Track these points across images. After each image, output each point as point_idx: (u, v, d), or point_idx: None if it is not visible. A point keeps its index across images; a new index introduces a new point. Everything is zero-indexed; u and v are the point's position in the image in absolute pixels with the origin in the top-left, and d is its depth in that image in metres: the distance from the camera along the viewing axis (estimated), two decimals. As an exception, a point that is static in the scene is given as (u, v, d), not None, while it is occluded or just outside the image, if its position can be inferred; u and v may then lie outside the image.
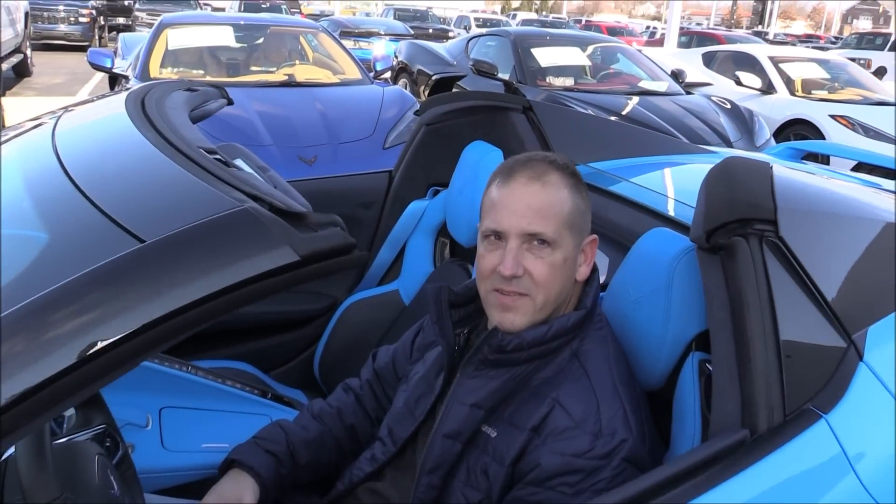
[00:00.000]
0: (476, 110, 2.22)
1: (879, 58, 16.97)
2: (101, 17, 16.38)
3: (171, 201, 0.86)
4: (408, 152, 2.36)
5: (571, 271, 1.25)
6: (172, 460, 1.54)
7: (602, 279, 1.69)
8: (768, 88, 8.54)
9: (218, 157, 1.02)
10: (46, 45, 14.27)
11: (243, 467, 1.34)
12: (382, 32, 13.12)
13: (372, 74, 6.31)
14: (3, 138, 1.30)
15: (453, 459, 1.22)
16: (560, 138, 2.14)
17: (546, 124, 2.15)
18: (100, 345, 0.68)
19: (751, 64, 8.98)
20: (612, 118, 5.95)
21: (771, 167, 1.28)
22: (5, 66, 9.21)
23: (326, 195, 2.44)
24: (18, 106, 8.24)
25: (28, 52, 11.11)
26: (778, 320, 1.08)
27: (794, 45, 25.23)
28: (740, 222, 1.13)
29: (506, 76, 7.22)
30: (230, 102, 1.94)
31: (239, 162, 1.08)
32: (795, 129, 7.88)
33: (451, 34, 17.30)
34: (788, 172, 1.41)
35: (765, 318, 1.07)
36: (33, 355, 0.67)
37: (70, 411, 1.31)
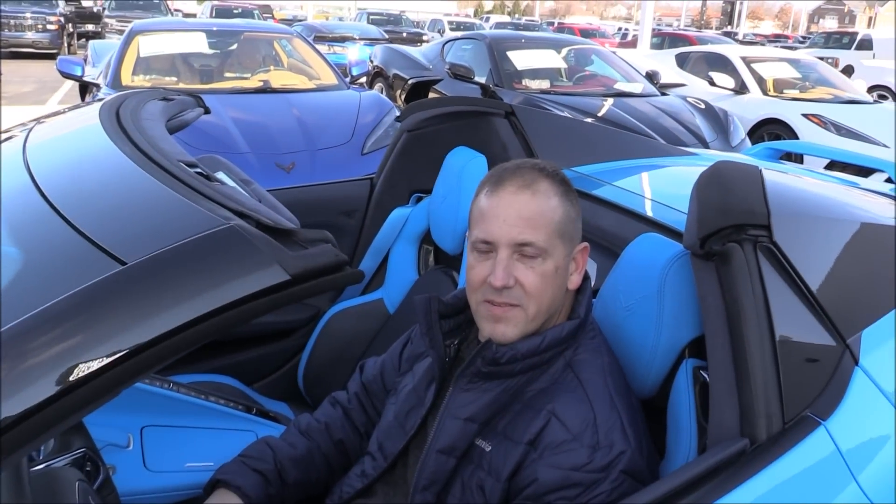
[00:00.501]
0: (458, 116, 2.19)
1: (846, 56, 17.23)
2: (70, 25, 16.16)
3: (152, 220, 0.82)
4: (389, 159, 2.33)
5: (563, 280, 1.22)
6: (156, 481, 1.49)
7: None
8: (741, 88, 8.61)
9: (199, 170, 0.99)
10: (14, 54, 14.04)
11: (230, 487, 1.30)
12: (357, 37, 13.07)
13: (348, 79, 6.26)
14: None
15: (447, 475, 1.19)
16: (543, 143, 2.12)
17: (529, 129, 2.13)
18: (81, 374, 0.65)
19: (723, 64, 9.06)
20: (589, 120, 5.96)
21: (761, 171, 1.26)
22: (-28, 75, 9.04)
23: (307, 204, 2.40)
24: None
25: (-5, 60, 10.93)
26: (774, 327, 1.07)
27: (763, 45, 25.55)
28: (734, 228, 1.12)
29: (482, 79, 7.21)
30: (207, 111, 1.90)
31: (221, 175, 1.04)
32: (769, 129, 7.96)
33: (425, 38, 17.29)
34: (777, 176, 1.40)
35: (761, 324, 1.06)
36: (11, 387, 0.63)
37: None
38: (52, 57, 6.64)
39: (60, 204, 0.85)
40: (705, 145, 6.14)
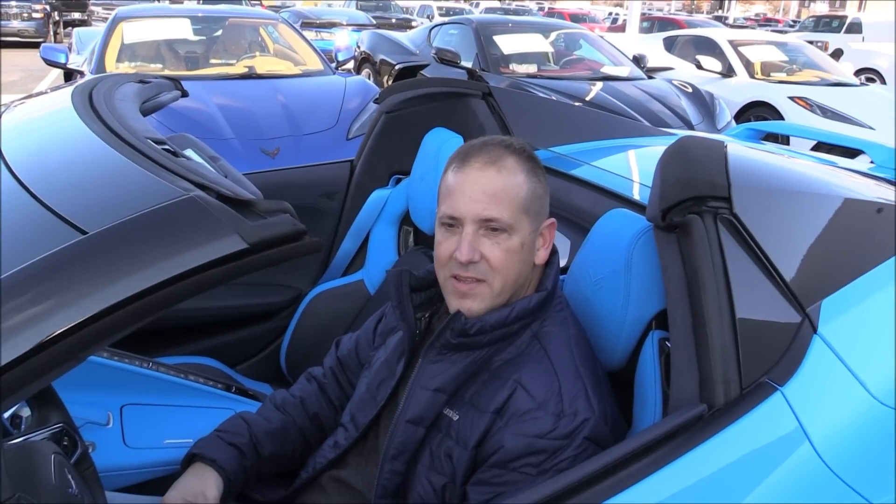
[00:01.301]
0: (436, 97, 2.21)
1: (836, 40, 17.25)
2: (56, 13, 16.03)
3: (115, 192, 0.83)
4: (368, 141, 2.34)
5: (529, 255, 1.25)
6: (135, 457, 1.51)
7: (564, 262, 1.70)
8: (728, 72, 8.64)
9: (166, 147, 1.00)
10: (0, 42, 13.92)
11: (206, 461, 1.33)
12: (345, 23, 13.01)
13: (334, 65, 6.25)
14: None
15: (416, 444, 1.22)
16: (520, 123, 2.14)
17: (506, 110, 2.15)
18: (43, 339, 0.67)
19: (711, 48, 9.07)
20: (577, 104, 5.97)
21: (725, 146, 1.29)
22: (-44, 64, 8.97)
23: (288, 186, 2.41)
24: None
25: (-20, 49, 10.85)
26: (734, 296, 1.09)
27: (753, 28, 25.56)
28: (695, 200, 1.14)
29: (469, 64, 7.20)
30: (185, 94, 1.90)
31: (189, 152, 1.06)
32: (756, 112, 7.99)
33: (414, 24, 17.21)
34: (744, 151, 1.42)
35: (720, 294, 1.08)
36: None
37: (26, 412, 1.28)
38: (37, 46, 6.61)
39: (27, 178, 0.87)
40: (691, 128, 6.16)
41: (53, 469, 1.06)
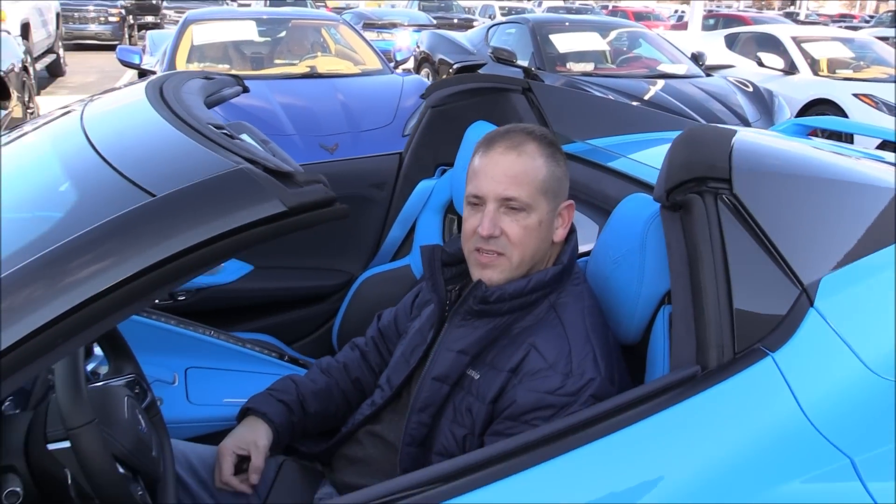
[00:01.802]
0: (478, 92, 2.34)
1: (913, 36, 16.64)
2: (131, 17, 16.71)
3: (179, 165, 1.00)
4: (415, 134, 2.49)
5: (547, 233, 1.37)
6: (196, 412, 1.69)
7: (592, 246, 1.81)
8: (791, 69, 8.49)
9: (224, 131, 1.16)
10: (78, 45, 14.62)
11: (258, 414, 1.48)
12: (406, 23, 13.24)
13: (392, 64, 6.44)
14: (41, 121, 1.46)
15: (441, 400, 1.35)
16: (558, 117, 2.25)
17: (544, 104, 2.26)
18: (121, 279, 0.83)
19: (773, 45, 8.93)
20: (634, 103, 6.01)
21: (734, 133, 1.38)
22: (39, 66, 9.50)
23: (341, 176, 2.57)
24: (53, 105, 8.50)
25: (60, 52, 11.43)
26: (730, 269, 1.19)
27: (826, 25, 24.77)
28: (696, 181, 1.24)
29: (525, 63, 7.30)
30: (246, 90, 2.07)
31: (243, 136, 1.21)
32: (818, 110, 7.83)
33: (475, 23, 17.35)
34: (757, 139, 1.51)
35: (717, 267, 1.18)
36: (68, 281, 0.82)
37: (104, 369, 1.47)
38: (113, 48, 7.01)
39: (107, 153, 1.04)
40: (747, 125, 6.13)
41: (126, 409, 1.23)
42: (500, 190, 1.32)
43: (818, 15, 35.68)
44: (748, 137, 1.40)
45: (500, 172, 1.33)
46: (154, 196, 0.90)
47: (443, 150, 2.42)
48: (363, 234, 2.54)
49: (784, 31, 9.28)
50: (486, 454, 1.03)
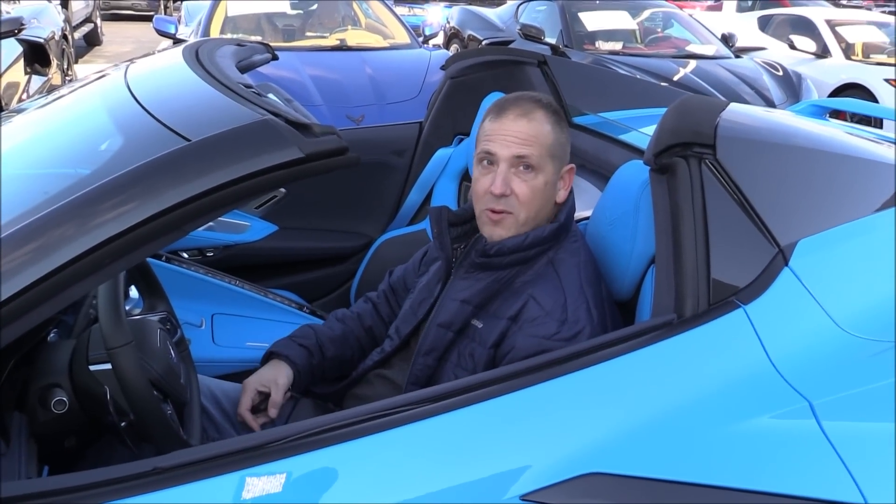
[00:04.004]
0: (495, 64, 2.44)
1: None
2: (167, -13, 16.90)
3: (211, 115, 1.13)
4: (435, 103, 2.60)
5: (552, 194, 1.48)
6: (221, 353, 1.84)
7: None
8: (823, 52, 8.42)
9: (253, 90, 1.29)
10: (115, 16, 14.86)
11: (280, 357, 1.62)
12: (437, -1, 13.25)
13: (421, 39, 6.52)
14: (78, 84, 1.60)
15: (446, 345, 1.48)
16: (571, 90, 2.35)
17: (559, 77, 2.36)
18: (161, 209, 0.97)
19: (807, 27, 8.83)
20: (663, 84, 6.03)
21: (726, 104, 1.47)
22: (77, 34, 9.73)
23: (363, 143, 2.69)
24: (90, 73, 8.71)
25: (98, 21, 11.67)
26: (709, 228, 1.29)
27: (869, 9, 24.15)
28: (682, 146, 1.34)
29: (553, 40, 7.33)
30: (275, 57, 2.19)
31: (270, 95, 1.34)
32: (849, 94, 7.76)
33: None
34: (748, 110, 1.59)
35: (697, 224, 1.28)
36: (121, 202, 0.96)
37: (137, 310, 1.61)
38: (149, 19, 7.19)
39: (149, 105, 1.18)
40: (773, 107, 6.13)
41: (158, 339, 1.38)
42: (514, 150, 1.44)
43: (862, -1, 34.83)
44: (739, 109, 1.49)
45: (513, 135, 1.44)
46: (189, 141, 1.03)
47: (461, 120, 2.53)
48: (383, 198, 2.66)
49: (818, 14, 9.17)
50: (467, 382, 1.15)
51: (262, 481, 1.02)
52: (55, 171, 1.10)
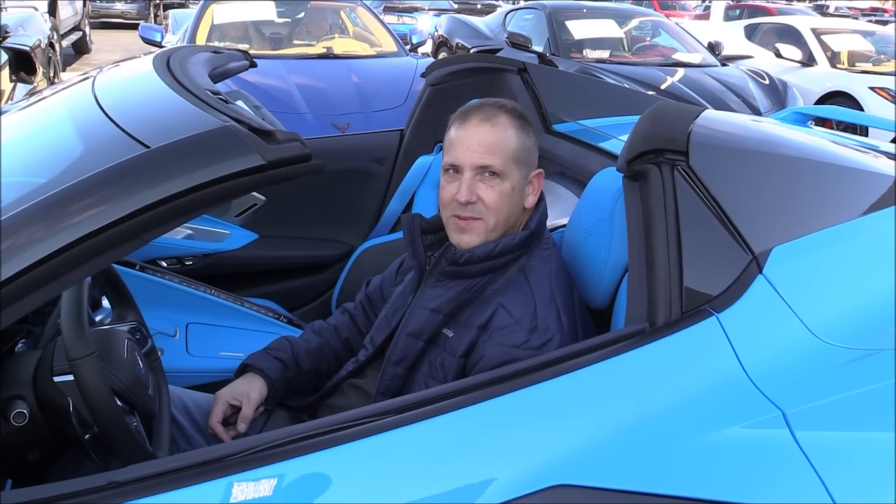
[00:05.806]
0: (476, 72, 2.43)
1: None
2: (156, -4, 16.89)
3: (173, 122, 1.12)
4: (416, 111, 2.59)
5: (520, 199, 1.47)
6: (195, 363, 1.81)
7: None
8: (808, 61, 8.47)
9: (220, 97, 1.27)
10: (104, 24, 14.84)
11: (255, 370, 1.59)
12: (427, 7, 13.29)
13: (408, 47, 6.52)
14: (60, 86, 1.58)
15: (416, 355, 1.46)
16: (551, 97, 2.34)
17: (539, 84, 2.35)
18: (115, 218, 0.95)
19: (793, 36, 8.90)
20: (650, 93, 6.05)
21: (701, 112, 1.47)
22: (65, 43, 9.69)
23: (345, 151, 2.68)
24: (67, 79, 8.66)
25: (87, 29, 11.63)
26: (682, 235, 1.28)
27: (856, 18, 24.32)
28: (655, 152, 1.33)
29: (540, 49, 7.35)
30: (253, 65, 2.18)
31: (239, 102, 1.32)
32: (834, 102, 7.82)
33: (499, 8, 17.32)
34: (723, 117, 1.58)
35: (669, 232, 1.27)
36: (69, 220, 0.93)
37: (107, 320, 1.59)
38: (138, 27, 7.20)
39: (111, 111, 1.16)
40: (758, 115, 6.15)
41: (126, 350, 1.35)
42: (477, 159, 1.42)
43: (849, 9, 35.03)
44: (713, 115, 1.48)
45: (476, 143, 1.43)
46: (148, 147, 1.01)
47: (441, 128, 2.50)
48: (364, 206, 2.65)
49: (804, 23, 9.24)
50: (436, 392, 1.13)
51: (225, 494, 1.00)
52: (10, 181, 1.07)
